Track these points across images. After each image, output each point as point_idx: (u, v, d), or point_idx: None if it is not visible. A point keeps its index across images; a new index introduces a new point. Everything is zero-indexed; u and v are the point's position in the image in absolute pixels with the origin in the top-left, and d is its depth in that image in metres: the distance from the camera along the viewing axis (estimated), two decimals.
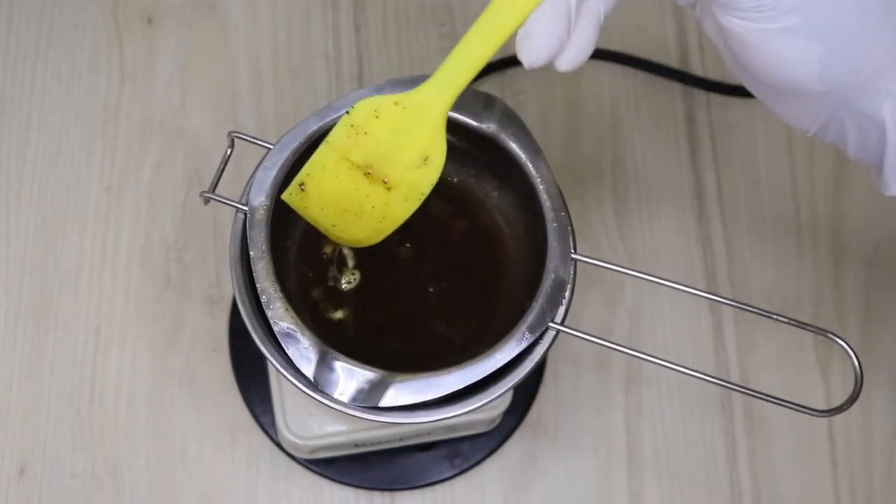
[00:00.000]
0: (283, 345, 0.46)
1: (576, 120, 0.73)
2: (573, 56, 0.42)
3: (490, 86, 0.73)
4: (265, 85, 0.73)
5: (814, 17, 0.38)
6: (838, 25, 0.38)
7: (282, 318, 0.46)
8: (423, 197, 0.47)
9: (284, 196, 0.47)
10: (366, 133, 0.45)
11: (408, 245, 0.52)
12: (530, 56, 0.42)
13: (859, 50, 0.39)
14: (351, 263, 0.52)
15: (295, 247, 0.51)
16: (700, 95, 0.74)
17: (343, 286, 0.52)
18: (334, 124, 0.49)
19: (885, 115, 0.40)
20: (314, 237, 0.50)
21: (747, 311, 0.47)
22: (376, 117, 0.45)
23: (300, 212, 0.47)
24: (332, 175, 0.46)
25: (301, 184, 0.46)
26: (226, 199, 0.48)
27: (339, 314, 0.51)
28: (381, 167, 0.46)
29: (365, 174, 0.46)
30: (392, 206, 0.47)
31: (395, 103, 0.45)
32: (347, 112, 0.46)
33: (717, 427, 0.67)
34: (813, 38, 0.38)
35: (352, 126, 0.46)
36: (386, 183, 0.46)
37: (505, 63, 0.73)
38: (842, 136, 0.42)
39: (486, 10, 0.43)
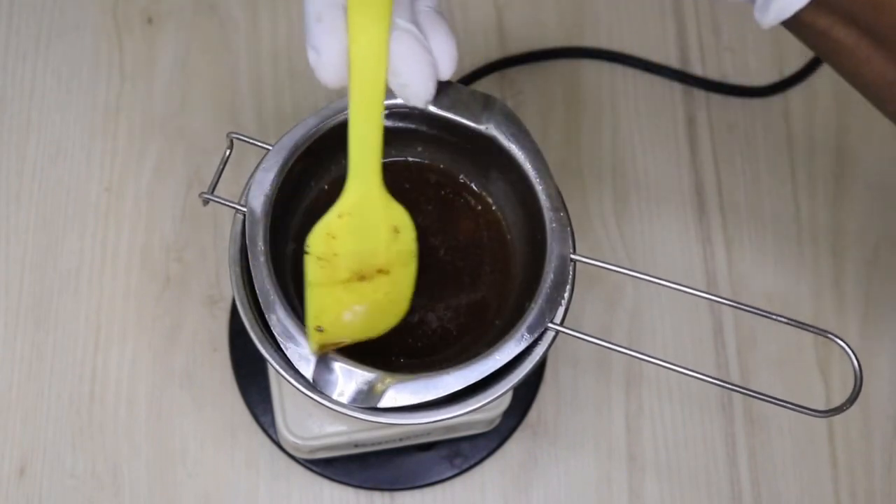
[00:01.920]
0: (281, 346, 0.46)
1: (576, 120, 0.73)
2: (448, 63, 0.44)
3: (490, 86, 0.73)
4: (265, 85, 0.73)
5: None
6: None
7: (281, 320, 0.46)
8: (416, 254, 0.48)
9: (313, 350, 0.46)
10: (335, 254, 0.46)
11: None
12: (419, 98, 0.44)
13: None
14: None
15: (294, 248, 0.51)
16: (700, 95, 0.74)
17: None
18: (334, 125, 0.49)
19: None
20: None
21: (747, 311, 0.47)
22: (333, 238, 0.46)
23: (337, 344, 0.47)
24: (335, 304, 0.46)
25: (317, 328, 0.46)
26: (225, 200, 0.48)
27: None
28: (368, 265, 0.47)
29: (360, 279, 0.47)
30: (399, 282, 0.48)
31: (339, 216, 0.46)
32: (305, 252, 0.46)
33: (717, 427, 0.67)
34: None
35: (318, 259, 0.46)
36: (381, 271, 0.47)
37: (505, 63, 0.73)
38: None
39: (350, 93, 0.43)
